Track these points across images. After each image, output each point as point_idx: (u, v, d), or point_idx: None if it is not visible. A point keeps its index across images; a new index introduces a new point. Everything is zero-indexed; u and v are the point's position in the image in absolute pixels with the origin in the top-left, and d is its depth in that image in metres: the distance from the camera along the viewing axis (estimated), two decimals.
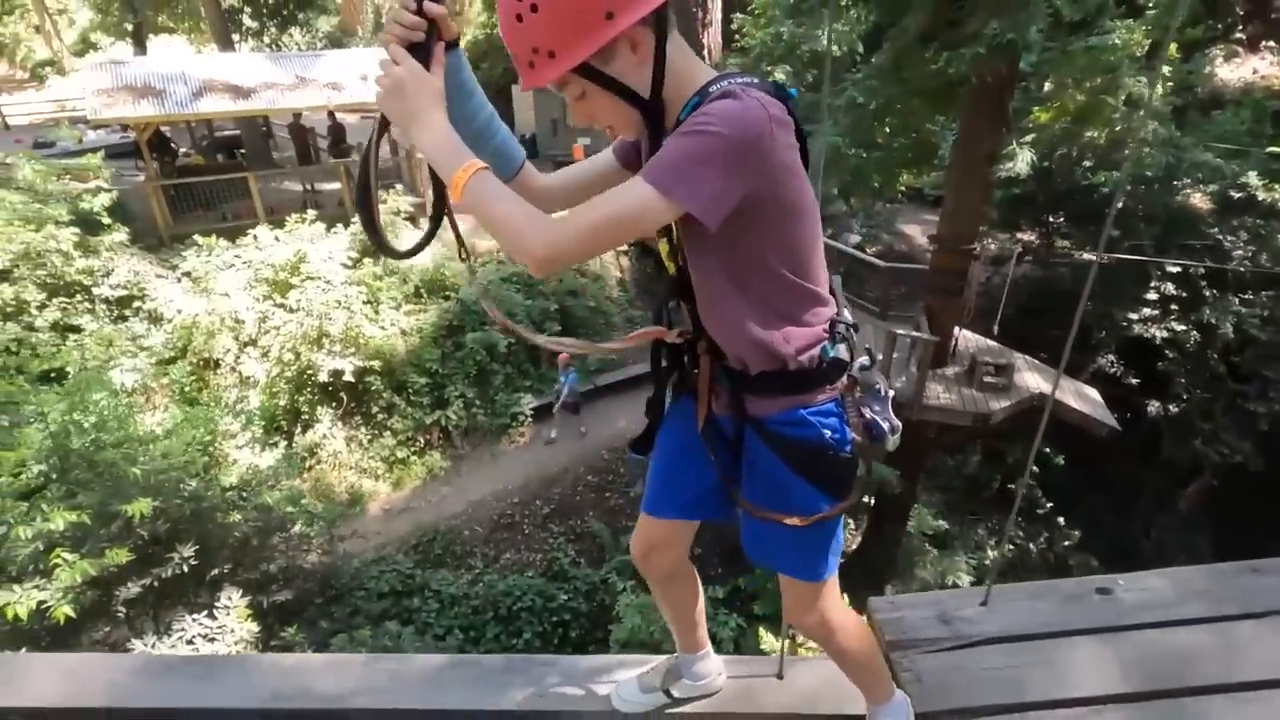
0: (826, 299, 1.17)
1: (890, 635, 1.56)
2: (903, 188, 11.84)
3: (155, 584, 5.58)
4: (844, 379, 1.19)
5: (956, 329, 8.15)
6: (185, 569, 5.61)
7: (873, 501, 8.93)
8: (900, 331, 7.30)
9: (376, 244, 1.17)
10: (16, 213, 9.27)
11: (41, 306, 9.04)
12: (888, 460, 7.62)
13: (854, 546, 9.51)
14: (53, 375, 8.38)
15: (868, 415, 1.21)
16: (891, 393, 1.27)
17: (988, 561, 9.54)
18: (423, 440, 10.26)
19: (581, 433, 10.51)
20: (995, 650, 1.53)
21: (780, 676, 1.57)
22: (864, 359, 1.22)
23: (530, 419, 10.63)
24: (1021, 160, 6.89)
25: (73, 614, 4.77)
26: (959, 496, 11.51)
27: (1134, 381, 11.35)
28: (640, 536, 1.46)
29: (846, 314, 1.22)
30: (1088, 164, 10.98)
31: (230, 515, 6.32)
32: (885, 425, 1.22)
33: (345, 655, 4.59)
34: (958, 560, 9.27)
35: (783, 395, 1.16)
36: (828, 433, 1.17)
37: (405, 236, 10.81)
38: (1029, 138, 7.26)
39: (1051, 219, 12.65)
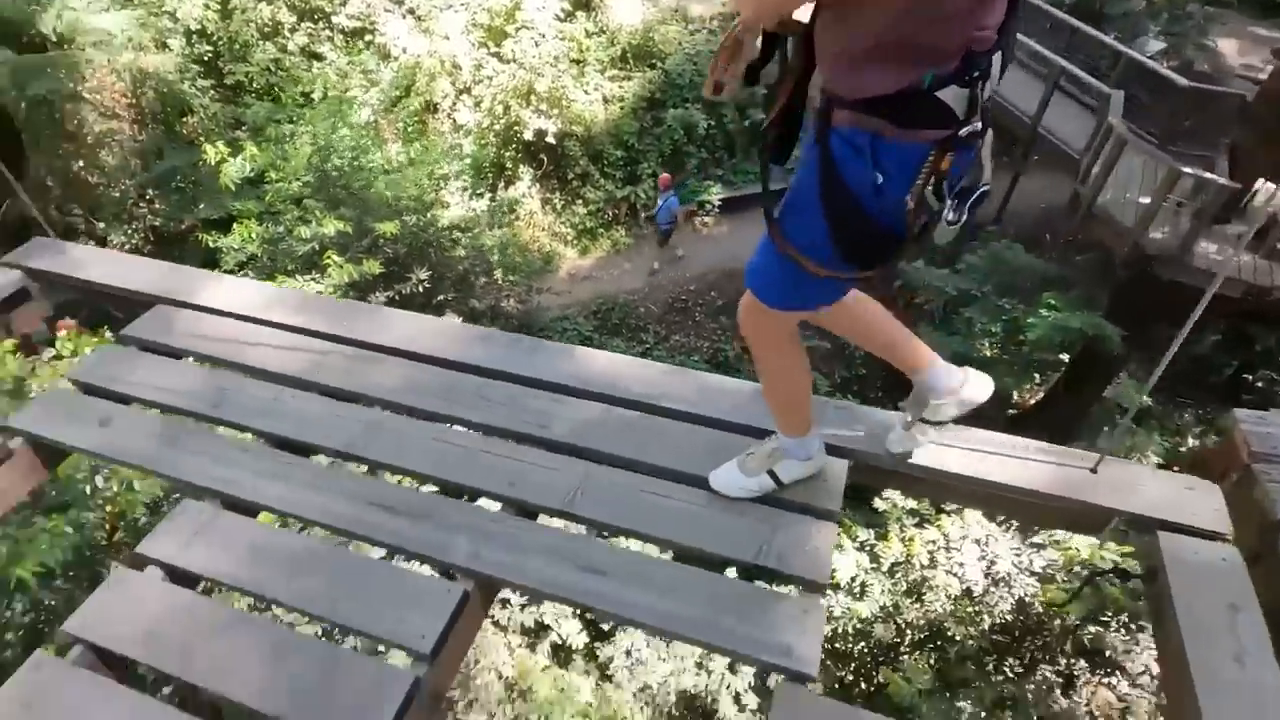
0: (959, 44, 0.98)
1: (1256, 447, 1.48)
2: None
3: (396, 298, 6.44)
4: (939, 134, 1.03)
5: (1261, 181, 6.67)
6: (420, 289, 6.39)
7: (1072, 358, 8.25)
8: (1187, 171, 6.07)
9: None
10: None
11: (293, 29, 9.69)
12: (1114, 318, 6.87)
13: (1035, 400, 9.03)
14: (301, 102, 9.23)
15: (938, 197, 1.07)
16: (987, 187, 1.11)
17: (1183, 449, 8.75)
18: (611, 214, 10.51)
19: (678, 256, 10.18)
20: None
21: (1094, 471, 1.57)
22: (975, 124, 1.03)
23: (717, 209, 10.49)
24: None
25: None
26: (1175, 374, 10.33)
27: None
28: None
29: (993, 79, 1.03)
30: None
31: (455, 250, 6.99)
32: (950, 213, 1.08)
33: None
34: (1150, 439, 8.58)
35: (864, 113, 1.05)
36: (879, 177, 1.08)
37: None
38: None
39: None
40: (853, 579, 4.87)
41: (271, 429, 1.87)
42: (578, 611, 4.73)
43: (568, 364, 1.96)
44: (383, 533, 1.61)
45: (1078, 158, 7.84)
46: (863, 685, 4.76)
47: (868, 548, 5.13)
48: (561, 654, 4.88)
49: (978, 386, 1.50)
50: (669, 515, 1.57)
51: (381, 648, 1.43)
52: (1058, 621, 4.63)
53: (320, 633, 2.78)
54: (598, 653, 4.93)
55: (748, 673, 4.59)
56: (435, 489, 1.75)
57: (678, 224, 9.80)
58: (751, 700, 4.55)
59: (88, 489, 3.72)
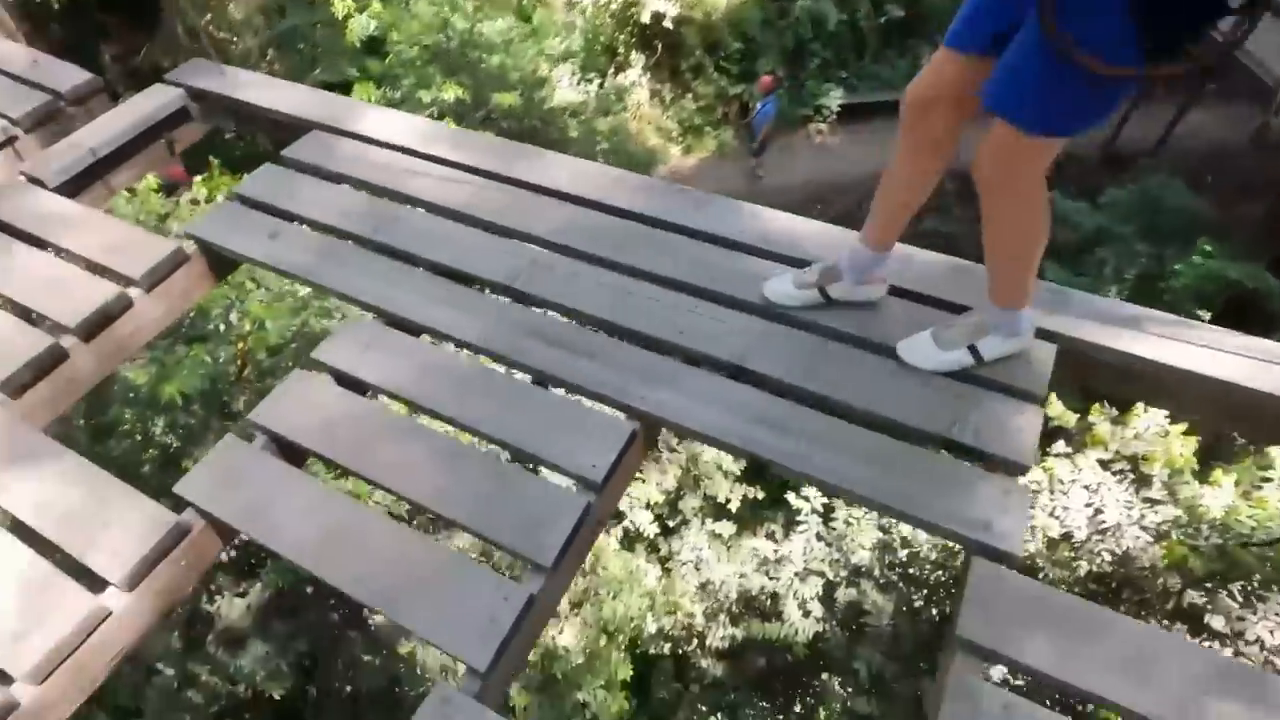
0: None
1: None
2: None
3: None
4: None
5: None
6: None
7: (1214, 315, 7.50)
8: None
9: None
10: None
11: None
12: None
13: None
14: None
15: None
16: None
17: None
18: (721, 112, 10.00)
19: (758, 176, 9.47)
20: None
21: None
22: None
23: (834, 116, 9.82)
24: None
25: None
26: None
27: None
28: (929, 79, 1.30)
29: None
30: None
31: (568, 132, 6.81)
32: None
33: None
34: None
35: None
36: None
37: None
38: None
39: None
40: None
41: (432, 256, 1.84)
42: (650, 503, 4.81)
43: (738, 220, 1.84)
44: (548, 363, 1.58)
45: (1273, 86, 6.86)
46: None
47: None
48: (629, 542, 5.01)
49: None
50: (853, 380, 1.47)
51: (545, 471, 1.41)
52: (1160, 580, 4.41)
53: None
54: (660, 546, 5.05)
55: (817, 582, 4.59)
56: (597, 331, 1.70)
57: (770, 134, 9.15)
58: (817, 609, 4.58)
59: (222, 326, 3.93)
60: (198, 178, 4.55)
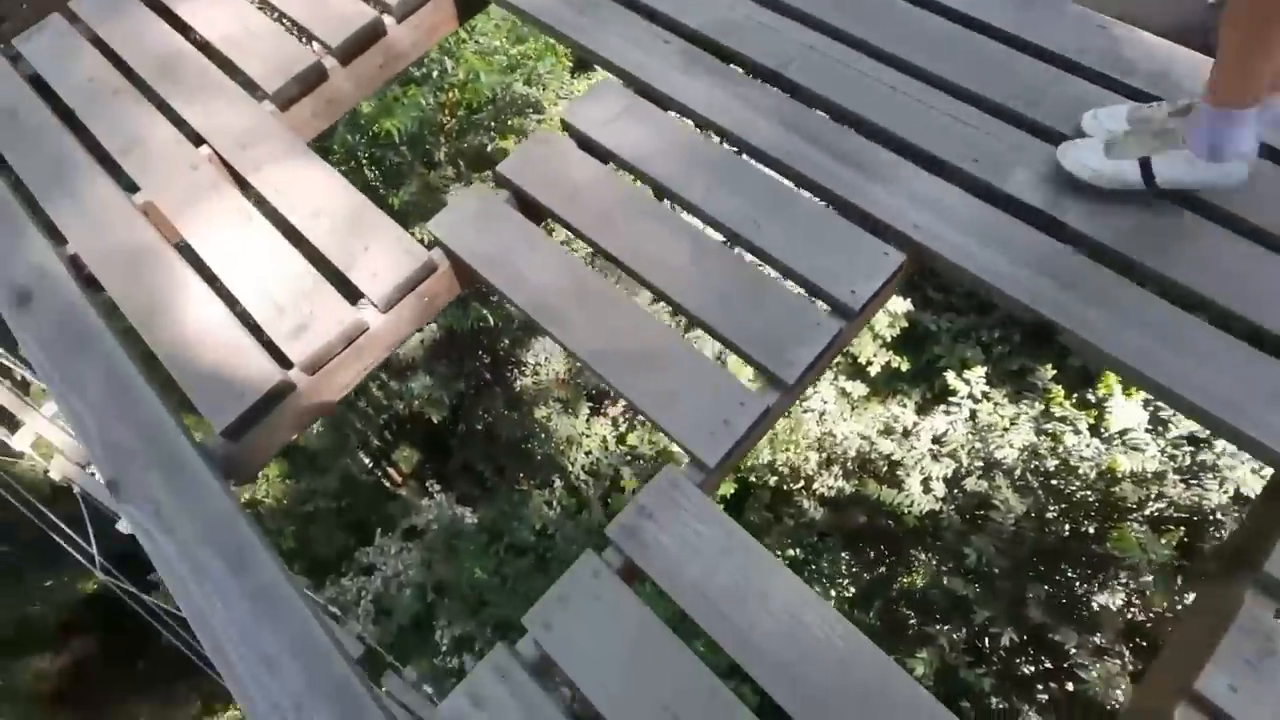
0: None
1: None
2: None
3: None
4: None
5: None
6: None
7: None
8: None
9: None
10: None
11: None
12: None
13: None
14: None
15: None
16: None
17: None
18: None
19: None
20: None
21: None
22: None
23: None
24: None
25: None
26: None
27: None
28: None
29: None
30: None
31: None
32: None
33: None
34: None
35: None
36: None
37: None
38: None
39: None
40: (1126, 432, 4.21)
41: (696, 25, 1.64)
42: None
43: (1079, 31, 1.47)
44: (811, 167, 1.41)
45: None
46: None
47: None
48: None
49: None
50: (1209, 263, 1.20)
51: (790, 284, 1.30)
52: None
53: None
54: None
55: (949, 464, 4.40)
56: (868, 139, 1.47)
57: None
58: (939, 489, 4.44)
59: (435, 73, 3.95)
60: None
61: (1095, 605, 3.40)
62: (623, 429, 5.79)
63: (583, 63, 4.86)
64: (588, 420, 5.64)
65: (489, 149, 4.34)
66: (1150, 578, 3.02)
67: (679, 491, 1.15)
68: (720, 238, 1.44)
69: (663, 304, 1.39)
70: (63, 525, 5.07)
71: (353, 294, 1.47)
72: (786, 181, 1.43)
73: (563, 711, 1.03)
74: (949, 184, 1.36)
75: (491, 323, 4.61)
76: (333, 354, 1.39)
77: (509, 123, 4.27)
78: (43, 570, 8.61)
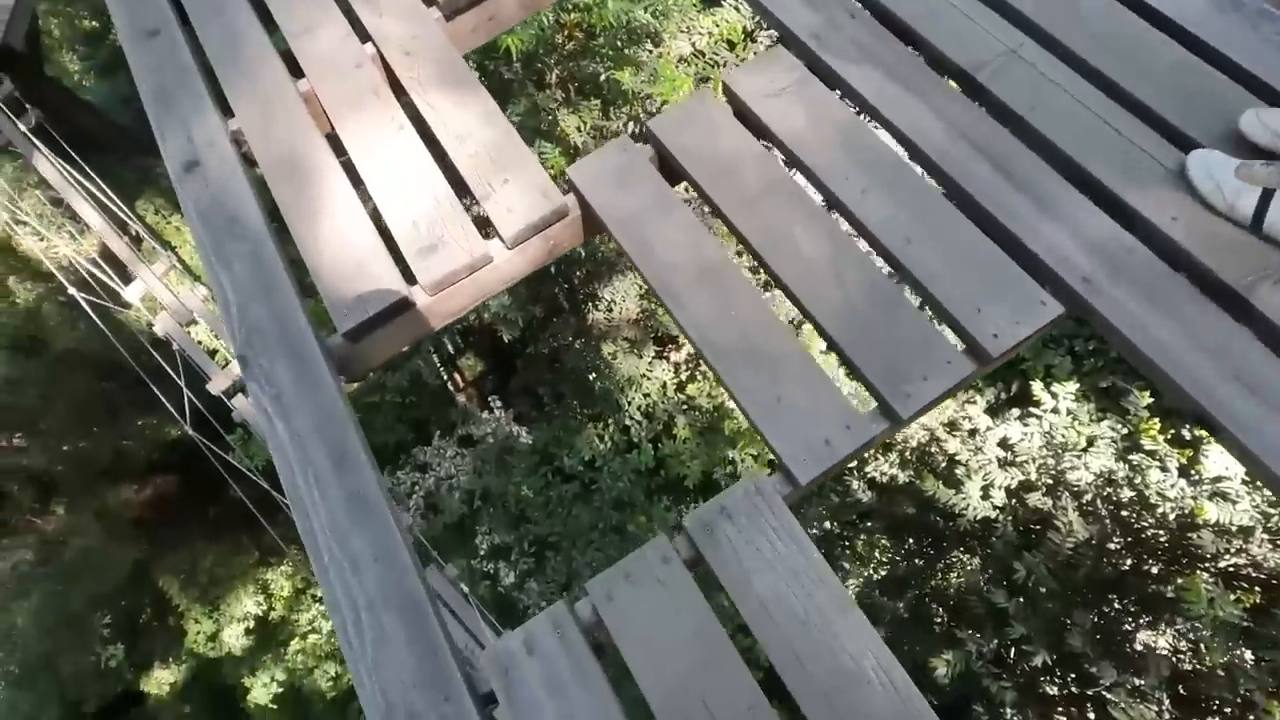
0: None
1: None
2: None
3: None
4: None
5: None
6: None
7: None
8: None
9: None
10: None
11: None
12: None
13: None
14: None
15: None
16: None
17: None
18: None
19: None
20: None
21: None
22: None
23: None
24: None
25: None
26: None
27: None
28: None
29: None
30: None
31: None
32: None
33: None
34: None
35: None
36: None
37: None
38: None
39: None
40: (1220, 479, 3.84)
41: (886, 2, 1.51)
42: None
43: None
44: (977, 186, 1.30)
45: None
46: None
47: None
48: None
49: None
50: None
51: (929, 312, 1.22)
52: None
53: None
54: None
55: (1015, 474, 4.17)
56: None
57: None
58: (999, 497, 4.22)
59: None
60: None
61: (1140, 645, 3.26)
62: (683, 377, 5.78)
63: None
64: (650, 363, 5.65)
65: (601, 78, 4.20)
66: (1209, 632, 2.84)
67: (763, 500, 1.14)
68: (865, 245, 1.36)
69: (779, 294, 1.32)
70: (167, 367, 5.51)
71: (482, 223, 1.48)
72: (948, 200, 1.33)
73: (606, 678, 1.08)
74: (1130, 234, 1.23)
75: (576, 254, 4.60)
76: (455, 280, 1.42)
77: (625, 52, 4.09)
78: (139, 411, 9.52)
